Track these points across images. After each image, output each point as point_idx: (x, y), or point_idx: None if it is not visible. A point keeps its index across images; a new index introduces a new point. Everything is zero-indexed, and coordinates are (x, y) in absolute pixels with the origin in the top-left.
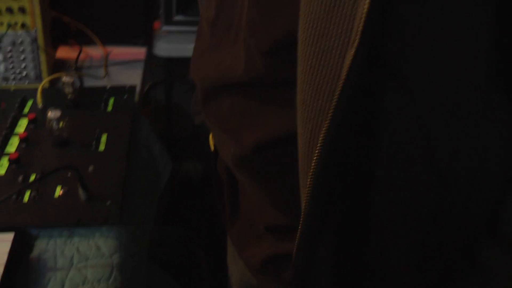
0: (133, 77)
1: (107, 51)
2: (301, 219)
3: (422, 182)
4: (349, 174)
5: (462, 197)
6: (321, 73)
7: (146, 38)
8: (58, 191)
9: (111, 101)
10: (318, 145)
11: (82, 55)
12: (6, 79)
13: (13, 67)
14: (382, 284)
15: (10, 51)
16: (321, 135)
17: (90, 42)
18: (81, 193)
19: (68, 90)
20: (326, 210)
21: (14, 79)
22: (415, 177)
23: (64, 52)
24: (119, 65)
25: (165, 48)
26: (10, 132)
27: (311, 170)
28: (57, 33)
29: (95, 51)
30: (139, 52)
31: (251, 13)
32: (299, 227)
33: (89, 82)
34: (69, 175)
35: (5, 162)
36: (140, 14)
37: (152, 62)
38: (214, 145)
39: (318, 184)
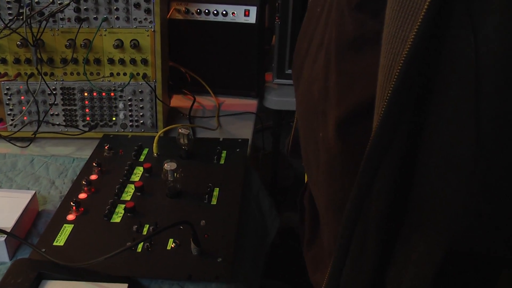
0: (244, 129)
1: (219, 102)
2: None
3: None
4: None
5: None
6: (406, 5)
7: (258, 91)
8: (170, 244)
9: (224, 154)
10: (398, 68)
11: (194, 105)
12: (123, 126)
13: (131, 115)
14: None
15: (130, 99)
16: (402, 58)
17: (202, 92)
18: (193, 248)
19: (183, 141)
20: (393, 137)
21: (131, 126)
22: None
23: (177, 101)
24: (231, 116)
25: (276, 101)
26: (127, 180)
27: (387, 95)
28: (173, 82)
29: (207, 101)
30: (250, 104)
31: None
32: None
33: (201, 132)
34: (181, 228)
35: (121, 209)
36: (253, 67)
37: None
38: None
39: (392, 104)
